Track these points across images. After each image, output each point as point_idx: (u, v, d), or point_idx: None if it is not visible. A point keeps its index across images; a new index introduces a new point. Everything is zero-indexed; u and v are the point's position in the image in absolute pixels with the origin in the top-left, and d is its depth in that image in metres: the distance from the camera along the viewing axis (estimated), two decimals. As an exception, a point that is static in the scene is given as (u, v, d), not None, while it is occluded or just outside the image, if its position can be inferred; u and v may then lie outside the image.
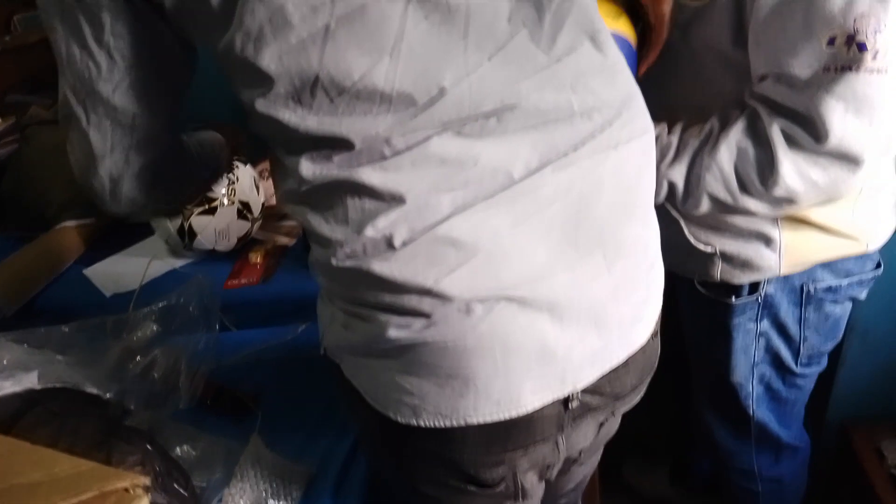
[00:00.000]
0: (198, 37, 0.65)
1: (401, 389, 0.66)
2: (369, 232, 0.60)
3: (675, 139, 0.91)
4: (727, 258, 1.01)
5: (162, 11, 0.62)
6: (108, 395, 0.91)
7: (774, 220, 0.97)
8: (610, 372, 0.71)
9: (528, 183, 0.61)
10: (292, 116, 0.59)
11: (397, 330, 0.63)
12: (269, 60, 0.57)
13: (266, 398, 1.04)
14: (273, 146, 0.66)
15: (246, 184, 1.38)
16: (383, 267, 0.61)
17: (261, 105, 0.60)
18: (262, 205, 1.40)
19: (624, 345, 0.71)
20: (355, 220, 0.61)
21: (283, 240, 1.41)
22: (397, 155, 0.59)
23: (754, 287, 1.04)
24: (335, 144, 0.60)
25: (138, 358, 1.00)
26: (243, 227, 1.36)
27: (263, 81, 0.59)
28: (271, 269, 1.32)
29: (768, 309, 1.06)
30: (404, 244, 0.60)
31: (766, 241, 0.98)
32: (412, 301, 0.62)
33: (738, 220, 0.98)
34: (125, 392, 0.93)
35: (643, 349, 0.73)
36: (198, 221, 1.32)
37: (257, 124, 0.63)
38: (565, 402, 0.69)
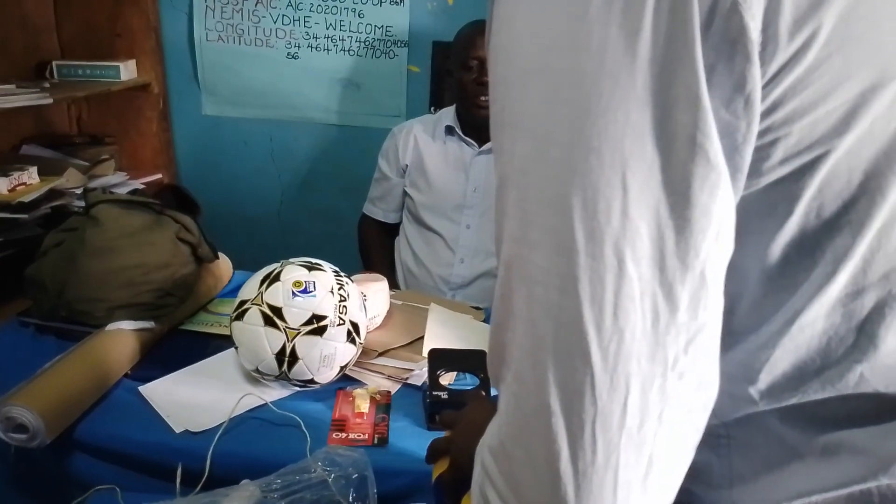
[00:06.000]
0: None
1: None
2: None
3: None
4: None
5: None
6: None
7: None
8: None
9: None
10: None
11: None
12: None
13: None
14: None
15: (355, 304, 1.19)
16: None
17: None
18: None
19: None
20: None
21: (386, 384, 1.22)
22: None
23: None
24: None
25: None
26: (348, 353, 1.17)
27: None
28: (383, 424, 1.11)
29: None
30: None
31: None
32: None
33: None
34: None
35: None
36: (303, 343, 1.12)
37: None
38: None
